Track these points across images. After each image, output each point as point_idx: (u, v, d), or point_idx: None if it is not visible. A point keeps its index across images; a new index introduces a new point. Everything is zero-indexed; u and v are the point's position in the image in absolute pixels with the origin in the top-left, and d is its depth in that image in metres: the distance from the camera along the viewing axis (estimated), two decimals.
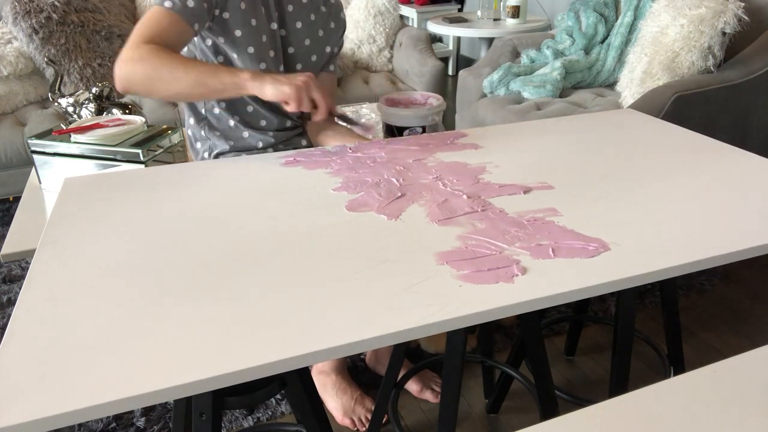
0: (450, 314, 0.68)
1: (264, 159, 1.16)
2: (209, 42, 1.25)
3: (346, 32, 3.01)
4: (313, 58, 1.36)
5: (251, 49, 1.24)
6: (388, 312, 0.68)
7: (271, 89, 1.06)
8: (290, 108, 1.08)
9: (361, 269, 0.77)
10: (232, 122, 1.34)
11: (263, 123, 1.36)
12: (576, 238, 0.83)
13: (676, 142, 1.20)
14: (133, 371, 0.60)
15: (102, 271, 0.77)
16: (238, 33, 1.22)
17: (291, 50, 1.32)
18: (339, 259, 0.79)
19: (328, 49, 1.39)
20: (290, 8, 1.28)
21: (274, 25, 1.27)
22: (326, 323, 0.67)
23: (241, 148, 1.35)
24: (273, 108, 1.36)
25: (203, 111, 1.34)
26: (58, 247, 0.84)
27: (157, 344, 0.63)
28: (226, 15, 1.19)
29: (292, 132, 1.42)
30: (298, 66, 1.35)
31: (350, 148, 1.20)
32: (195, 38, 1.25)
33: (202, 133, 1.36)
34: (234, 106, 1.33)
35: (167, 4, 1.11)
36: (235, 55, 1.24)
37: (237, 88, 1.09)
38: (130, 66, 1.08)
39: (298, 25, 1.30)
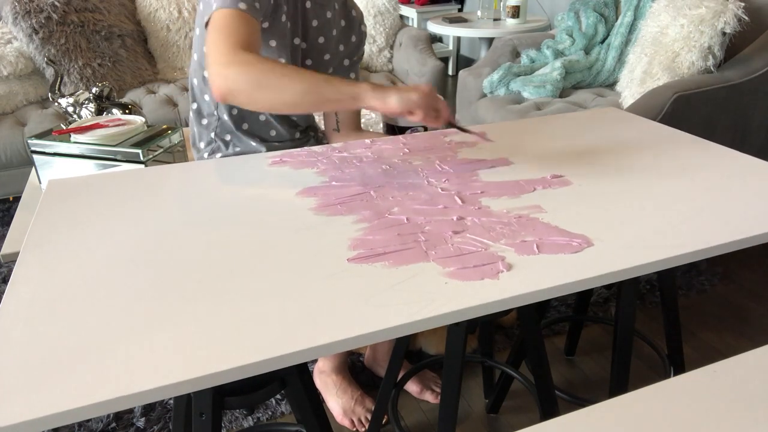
0: (436, 311, 0.68)
1: (251, 159, 1.16)
2: None
3: None
4: (330, 70, 1.36)
5: (282, 60, 1.23)
6: (375, 309, 0.69)
7: (397, 100, 0.96)
8: (415, 118, 0.99)
9: (347, 267, 0.78)
10: (240, 131, 1.33)
11: (272, 133, 1.36)
12: (560, 235, 0.84)
13: (661, 141, 1.20)
14: (123, 371, 0.60)
15: (88, 273, 0.77)
16: (272, 44, 1.21)
17: (308, 62, 1.31)
18: (325, 258, 0.80)
19: (346, 62, 1.39)
20: (315, 23, 1.27)
21: (297, 40, 1.26)
22: (316, 322, 0.67)
23: (246, 154, 1.35)
24: (284, 120, 1.36)
25: (215, 113, 1.33)
26: (41, 250, 0.83)
27: (148, 344, 0.64)
28: (266, 25, 1.17)
29: (300, 142, 1.42)
30: None
31: (336, 148, 1.21)
32: None
33: (212, 135, 1.36)
34: (245, 114, 1.32)
35: (241, 5, 1.04)
36: None
37: (355, 100, 0.97)
38: (235, 70, 0.95)
39: (321, 40, 1.30)
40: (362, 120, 2.10)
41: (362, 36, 1.42)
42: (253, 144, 1.34)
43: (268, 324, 0.67)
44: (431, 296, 0.71)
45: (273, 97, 0.97)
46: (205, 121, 1.36)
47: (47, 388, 0.58)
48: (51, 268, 0.78)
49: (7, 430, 0.54)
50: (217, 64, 0.97)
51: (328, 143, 1.50)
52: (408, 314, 0.68)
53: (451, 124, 1.06)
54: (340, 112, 1.43)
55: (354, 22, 1.39)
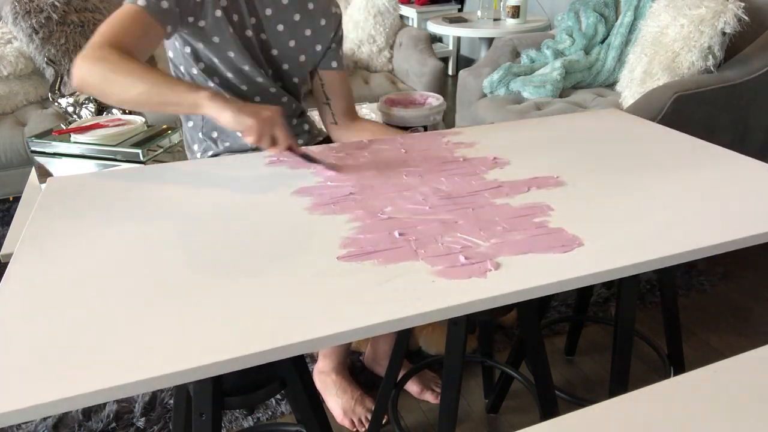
0: (421, 309, 0.69)
1: (248, 159, 1.16)
2: (188, 49, 1.24)
3: (346, 33, 3.01)
4: (302, 58, 1.34)
5: (231, 54, 1.23)
6: (361, 307, 0.69)
7: (231, 117, 0.99)
8: (248, 141, 1.02)
9: (337, 266, 0.78)
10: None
11: None
12: (551, 234, 0.85)
13: (659, 141, 1.20)
14: (117, 364, 0.60)
15: (84, 270, 0.78)
16: (216, 39, 1.21)
17: (274, 52, 1.30)
18: (316, 256, 0.80)
19: (318, 48, 1.36)
20: (268, 12, 1.25)
21: (249, 32, 1.24)
22: (304, 318, 0.67)
23: (237, 149, 1.35)
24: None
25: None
26: (38, 247, 0.84)
27: (141, 339, 0.64)
28: (202, 23, 1.18)
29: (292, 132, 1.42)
30: (285, 66, 1.33)
31: (333, 148, 1.21)
32: (176, 43, 1.24)
33: (199, 135, 1.36)
34: None
35: (140, 2, 1.08)
36: (216, 60, 1.24)
37: (193, 107, 1.01)
38: (88, 64, 1.02)
39: (279, 27, 1.28)
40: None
41: (333, 18, 1.36)
42: (239, 136, 1.33)
43: (260, 319, 0.67)
44: (417, 294, 0.72)
45: (118, 94, 1.03)
46: (191, 123, 1.36)
47: (41, 379, 0.58)
48: (47, 265, 0.79)
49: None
50: (80, 56, 1.03)
51: (327, 135, 1.50)
52: (393, 312, 0.68)
53: (292, 151, 1.07)
54: (333, 105, 1.42)
55: (321, 4, 1.34)
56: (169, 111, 1.06)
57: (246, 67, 1.26)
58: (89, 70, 1.02)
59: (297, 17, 1.30)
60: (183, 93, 1.01)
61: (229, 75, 1.27)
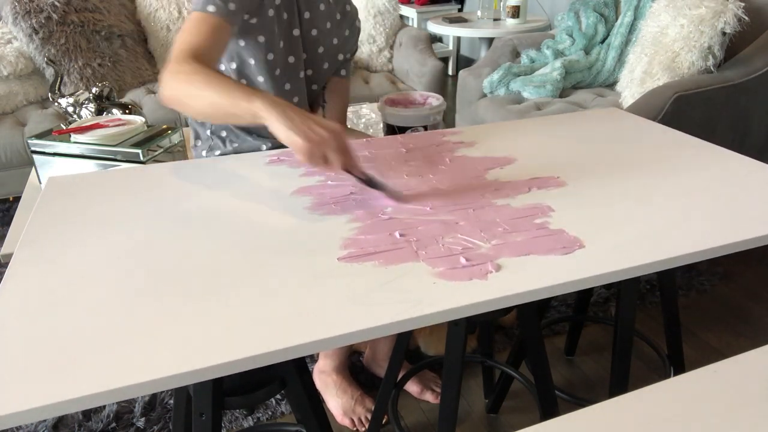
0: (422, 311, 0.69)
1: (248, 158, 1.16)
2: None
3: None
4: (325, 65, 1.35)
5: (270, 56, 1.23)
6: (362, 308, 0.69)
7: (282, 132, 0.88)
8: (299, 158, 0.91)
9: (337, 266, 0.78)
10: (237, 127, 1.33)
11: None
12: (552, 236, 0.84)
13: (660, 141, 1.20)
14: (118, 365, 0.60)
15: (84, 270, 0.78)
16: (261, 39, 1.20)
17: (304, 56, 1.31)
18: (317, 257, 0.80)
19: (340, 57, 1.39)
20: (307, 15, 1.27)
21: (296, 31, 1.25)
22: (304, 320, 0.67)
23: (246, 151, 1.35)
24: None
25: None
26: (38, 247, 0.84)
27: (142, 339, 0.64)
28: (253, 20, 1.18)
29: None
30: (309, 72, 1.34)
31: None
32: None
33: (207, 132, 1.36)
34: None
35: (210, 8, 1.08)
36: (252, 61, 1.23)
37: (254, 117, 0.92)
38: (168, 80, 1.01)
39: (314, 32, 1.29)
40: (362, 120, 2.10)
41: (356, 31, 1.41)
42: (250, 139, 1.34)
43: (260, 321, 0.67)
44: (418, 296, 0.71)
45: (193, 106, 1.01)
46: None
47: (41, 382, 0.58)
48: (47, 266, 0.79)
49: None
50: (164, 70, 1.03)
51: None
52: (393, 314, 0.68)
53: (351, 174, 0.95)
54: (328, 109, 1.43)
55: (349, 16, 1.37)
56: (232, 122, 1.02)
57: (277, 72, 1.26)
58: (169, 86, 1.01)
59: (329, 25, 1.31)
60: (240, 101, 0.92)
61: (260, 79, 1.25)
